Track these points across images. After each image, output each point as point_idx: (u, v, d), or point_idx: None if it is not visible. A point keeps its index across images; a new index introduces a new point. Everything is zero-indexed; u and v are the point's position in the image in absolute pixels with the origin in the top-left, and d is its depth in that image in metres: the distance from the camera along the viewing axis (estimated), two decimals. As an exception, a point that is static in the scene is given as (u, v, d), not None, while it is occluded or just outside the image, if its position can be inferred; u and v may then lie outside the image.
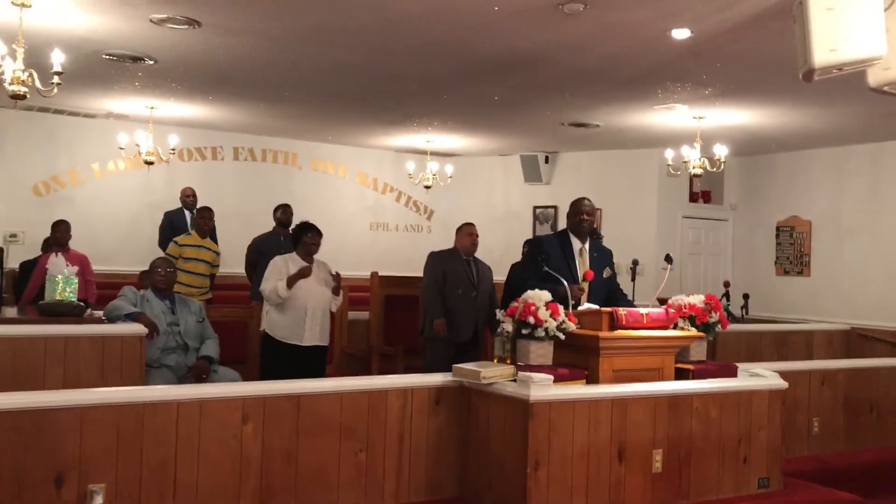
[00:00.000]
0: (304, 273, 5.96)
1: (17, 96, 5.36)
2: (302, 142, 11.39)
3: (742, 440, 4.91)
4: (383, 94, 8.19)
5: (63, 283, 5.57)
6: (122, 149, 9.08)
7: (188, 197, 9.24)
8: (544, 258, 5.32)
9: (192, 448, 3.96)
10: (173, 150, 9.24)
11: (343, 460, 4.33)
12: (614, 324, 4.63)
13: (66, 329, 5.20)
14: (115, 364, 5.19)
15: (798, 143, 10.01)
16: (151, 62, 7.03)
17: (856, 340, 9.34)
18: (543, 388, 4.26)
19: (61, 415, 3.70)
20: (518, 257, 7.74)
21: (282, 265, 6.05)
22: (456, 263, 6.61)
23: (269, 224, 8.18)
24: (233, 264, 8.99)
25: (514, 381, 4.42)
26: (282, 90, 8.12)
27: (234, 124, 10.28)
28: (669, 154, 8.82)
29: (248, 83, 7.82)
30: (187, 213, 9.14)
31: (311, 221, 6.35)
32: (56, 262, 5.71)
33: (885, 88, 3.64)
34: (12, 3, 5.31)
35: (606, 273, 5.65)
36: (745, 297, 9.61)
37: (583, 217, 5.57)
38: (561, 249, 5.50)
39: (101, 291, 7.77)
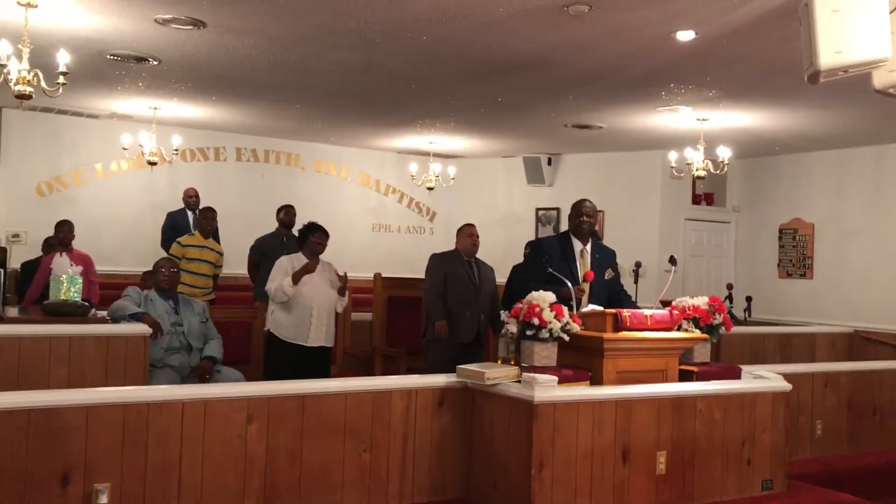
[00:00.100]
0: (308, 268, 5.98)
1: (22, 96, 5.37)
2: (305, 143, 11.40)
3: (746, 442, 4.91)
4: (387, 95, 8.20)
5: (67, 283, 5.57)
6: (125, 149, 9.10)
7: (191, 197, 9.25)
8: (548, 260, 5.35)
9: (196, 448, 3.96)
10: (176, 150, 9.25)
11: (347, 460, 4.33)
12: (618, 325, 4.64)
13: (70, 329, 5.20)
14: (119, 364, 5.19)
15: (801, 146, 10.01)
16: (155, 62, 7.04)
17: (859, 343, 9.33)
18: (548, 389, 4.27)
19: (67, 414, 3.71)
20: (520, 259, 7.75)
21: (287, 265, 6.08)
22: (457, 265, 6.62)
23: (271, 225, 8.20)
24: (235, 265, 9.00)
25: (519, 382, 4.42)
26: (285, 91, 8.13)
27: (237, 125, 10.29)
28: (673, 156, 8.82)
29: (252, 84, 7.82)
30: (190, 213, 9.15)
31: (317, 222, 6.37)
32: (60, 262, 5.71)
33: (891, 90, 3.63)
34: (18, 3, 5.32)
35: (608, 274, 5.66)
36: (748, 299, 9.61)
37: (583, 219, 5.59)
38: (562, 251, 5.52)
39: (103, 292, 7.78)
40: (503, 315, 4.68)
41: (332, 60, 6.80)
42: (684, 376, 4.88)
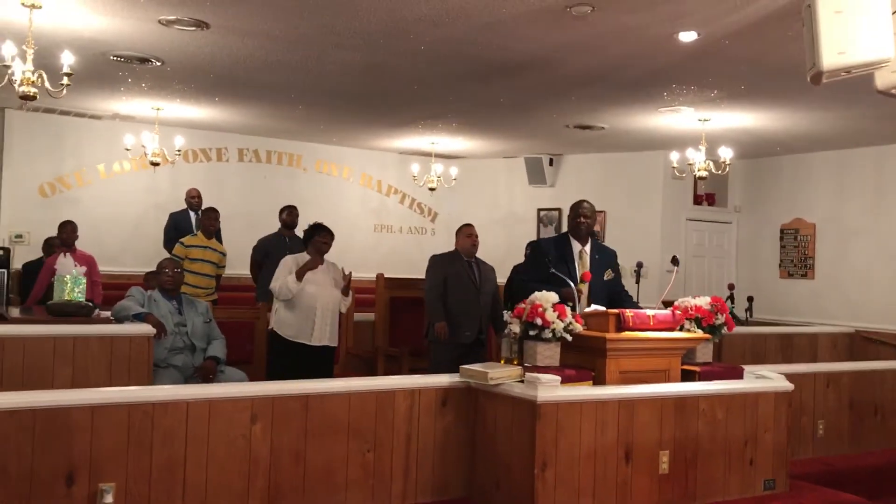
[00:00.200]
0: (312, 265, 6.01)
1: (27, 97, 5.39)
2: (307, 143, 11.42)
3: (748, 442, 4.92)
4: (389, 96, 8.21)
5: (71, 284, 5.60)
6: (127, 150, 9.11)
7: (193, 198, 9.27)
8: (550, 260, 5.37)
9: (201, 448, 3.97)
10: (179, 151, 9.28)
11: (351, 460, 4.34)
12: (621, 325, 4.64)
13: (74, 329, 5.22)
14: (123, 364, 5.21)
15: (803, 146, 10.02)
16: (159, 63, 7.05)
17: (860, 343, 9.35)
18: (551, 389, 4.28)
19: (72, 414, 3.71)
20: (521, 259, 7.76)
21: (292, 264, 6.11)
22: (458, 265, 6.62)
23: (273, 225, 8.21)
24: (238, 265, 9.01)
25: (522, 382, 4.43)
26: (288, 92, 8.15)
27: (240, 126, 10.31)
28: (674, 156, 8.84)
29: (255, 84, 7.84)
30: (192, 214, 9.18)
31: (323, 223, 6.39)
32: (64, 263, 5.74)
33: (893, 91, 3.65)
34: (22, 4, 5.34)
35: (608, 275, 5.67)
36: (750, 299, 9.63)
37: (580, 220, 5.61)
38: (560, 252, 5.54)
39: (105, 292, 7.79)
40: (506, 315, 4.69)
41: (334, 61, 6.82)
42: (687, 376, 4.89)
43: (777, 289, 10.67)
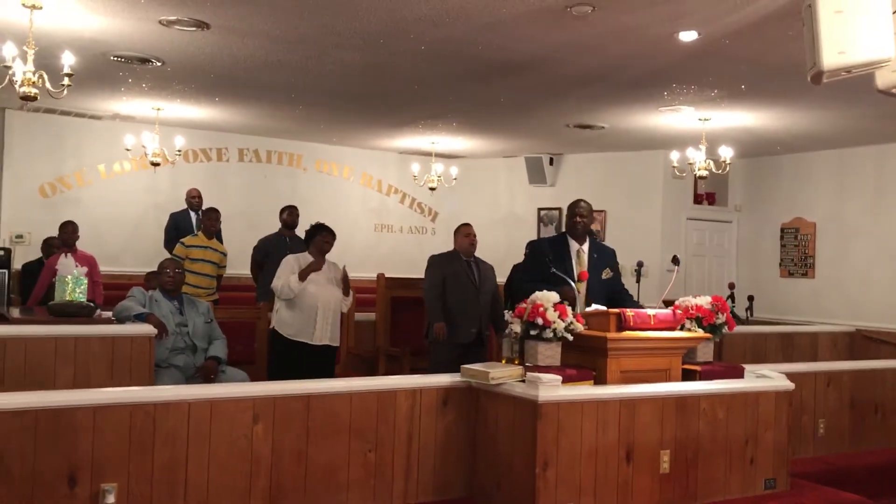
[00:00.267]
0: (315, 267, 6.02)
1: (27, 98, 5.39)
2: (307, 143, 11.42)
3: (749, 441, 4.92)
4: (389, 96, 8.22)
5: (73, 284, 5.60)
6: (128, 150, 9.12)
7: (194, 198, 9.27)
8: (550, 260, 5.37)
9: (202, 448, 3.98)
10: (179, 151, 9.28)
11: (352, 460, 4.34)
12: (622, 325, 4.65)
13: (76, 329, 5.23)
14: (124, 364, 5.22)
15: (803, 145, 10.03)
16: (159, 64, 7.06)
17: (860, 342, 9.35)
18: (552, 388, 4.28)
19: (75, 414, 3.72)
20: (521, 259, 7.76)
21: (294, 263, 6.12)
22: (456, 265, 6.62)
23: (274, 225, 8.22)
24: (238, 265, 9.02)
25: (523, 381, 4.43)
26: (288, 92, 8.15)
27: (240, 126, 10.31)
28: (674, 156, 8.84)
29: (255, 85, 7.84)
30: (192, 214, 9.18)
31: (324, 223, 6.41)
32: (66, 263, 5.74)
33: (893, 90, 3.66)
34: (23, 5, 5.34)
35: (606, 274, 5.67)
36: (750, 298, 9.64)
37: (577, 219, 5.63)
38: (558, 251, 5.54)
39: (106, 292, 7.79)
40: (507, 315, 4.70)
41: (334, 61, 6.82)
42: (687, 376, 4.89)
43: (777, 288, 10.67)
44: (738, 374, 5.11)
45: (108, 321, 5.56)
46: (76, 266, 5.77)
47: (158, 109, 9.07)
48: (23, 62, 5.38)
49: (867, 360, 8.04)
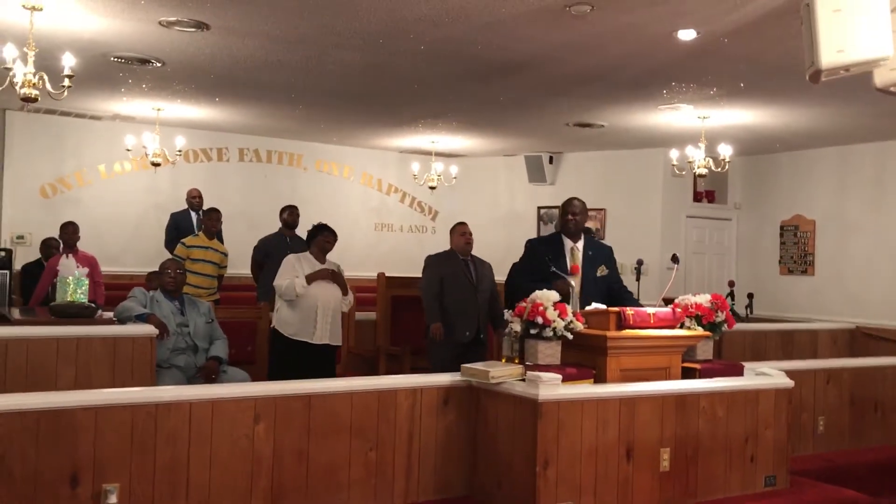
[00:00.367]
0: (324, 274, 6.05)
1: (28, 99, 5.40)
2: (307, 143, 11.43)
3: (749, 439, 4.94)
4: (389, 95, 8.23)
5: (74, 285, 5.61)
6: (128, 150, 9.12)
7: (194, 198, 9.29)
8: (550, 259, 5.39)
9: (204, 448, 3.99)
10: (179, 151, 9.29)
11: (353, 460, 4.35)
12: (622, 323, 4.66)
13: (77, 330, 5.23)
14: (126, 365, 5.23)
15: (802, 143, 10.04)
16: (159, 64, 7.07)
17: (860, 339, 9.36)
18: (552, 387, 4.29)
19: (76, 415, 3.73)
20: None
21: (295, 263, 6.13)
22: (454, 265, 6.62)
23: (274, 225, 8.22)
24: (239, 265, 9.03)
25: (523, 380, 4.44)
26: (288, 91, 8.16)
27: (240, 126, 10.32)
28: (674, 154, 8.84)
29: (255, 85, 7.85)
30: (193, 214, 9.20)
31: (326, 223, 6.43)
32: (67, 264, 5.75)
33: (892, 89, 3.66)
34: (23, 6, 5.35)
35: (601, 272, 5.69)
36: (750, 296, 9.64)
37: (569, 217, 5.66)
38: (553, 249, 5.57)
39: (107, 293, 7.81)
40: (507, 314, 4.71)
41: (334, 61, 6.83)
42: (687, 374, 4.90)
43: (777, 285, 10.68)
44: (738, 371, 5.11)
45: (109, 322, 5.56)
46: (77, 267, 5.77)
47: (159, 110, 9.08)
48: (23, 64, 5.38)
49: (867, 357, 8.04)
